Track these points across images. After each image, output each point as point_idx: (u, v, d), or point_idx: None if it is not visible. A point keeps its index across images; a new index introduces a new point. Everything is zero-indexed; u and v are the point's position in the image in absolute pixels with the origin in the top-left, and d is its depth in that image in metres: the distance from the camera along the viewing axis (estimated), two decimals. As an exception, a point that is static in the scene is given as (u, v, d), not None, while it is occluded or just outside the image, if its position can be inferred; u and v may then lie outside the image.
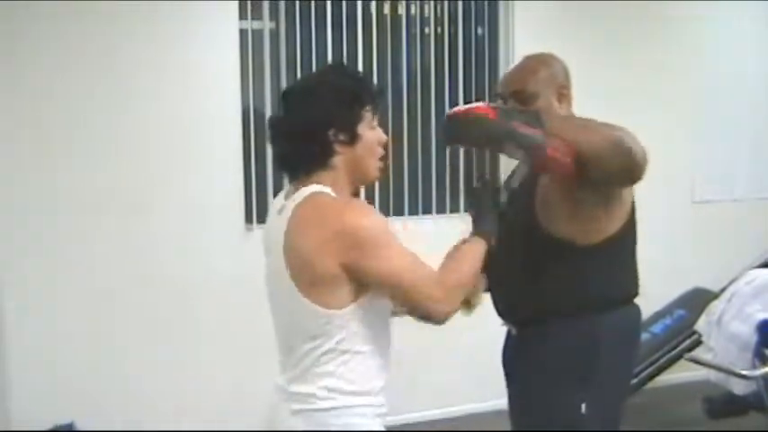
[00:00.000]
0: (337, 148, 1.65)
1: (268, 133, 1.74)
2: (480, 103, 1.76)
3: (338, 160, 1.66)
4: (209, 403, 3.70)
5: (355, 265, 1.56)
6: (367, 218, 1.58)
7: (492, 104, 1.78)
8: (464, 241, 1.78)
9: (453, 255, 1.73)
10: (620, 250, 1.99)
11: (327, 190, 1.63)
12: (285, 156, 1.71)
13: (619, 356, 2.00)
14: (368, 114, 1.68)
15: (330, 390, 1.61)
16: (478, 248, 1.75)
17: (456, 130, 1.79)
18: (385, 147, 1.74)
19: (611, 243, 1.94)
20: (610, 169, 1.75)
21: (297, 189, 1.67)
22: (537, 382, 2.00)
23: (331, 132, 1.64)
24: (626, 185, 1.89)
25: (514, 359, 2.12)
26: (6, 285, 3.41)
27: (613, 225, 1.94)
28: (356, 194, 1.76)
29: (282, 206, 1.67)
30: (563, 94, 1.99)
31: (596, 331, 1.94)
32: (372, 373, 1.65)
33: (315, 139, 1.64)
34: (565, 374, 1.94)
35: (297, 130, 1.66)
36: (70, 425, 3.42)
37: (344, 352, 1.61)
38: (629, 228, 1.98)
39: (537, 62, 2.02)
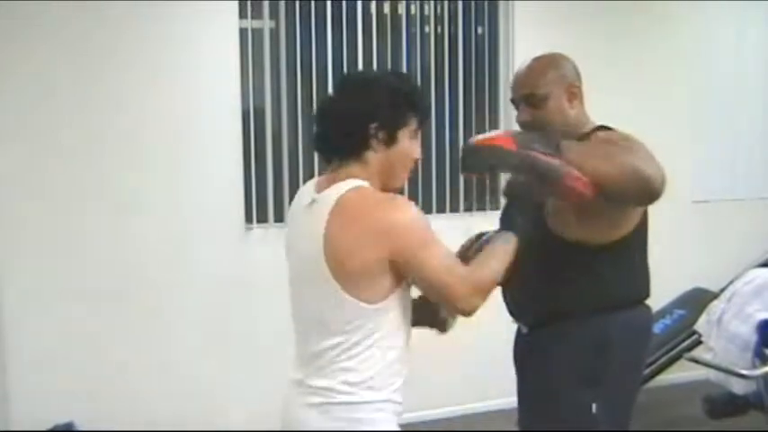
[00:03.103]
0: (374, 144, 1.66)
1: (315, 112, 1.76)
2: (499, 132, 1.78)
3: (372, 157, 1.67)
4: (208, 403, 3.70)
5: (399, 260, 1.58)
6: (412, 214, 1.60)
7: (510, 132, 1.78)
8: (497, 235, 1.79)
9: (487, 251, 1.74)
10: (633, 250, 1.99)
11: (367, 184, 1.64)
12: (323, 137, 1.72)
13: (630, 357, 1.99)
14: (413, 123, 1.70)
15: (350, 384, 1.62)
16: (510, 245, 1.75)
17: (475, 160, 1.79)
18: (416, 163, 1.75)
19: (624, 243, 1.94)
20: (629, 200, 1.79)
21: (330, 181, 1.67)
22: (548, 382, 1.99)
23: (373, 126, 1.65)
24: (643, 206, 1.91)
25: (525, 358, 2.12)
26: (6, 285, 3.41)
27: (627, 226, 1.94)
28: None
29: (313, 199, 1.67)
30: (573, 93, 1.98)
31: (608, 331, 1.94)
32: (392, 370, 1.66)
33: (355, 128, 1.65)
34: (576, 374, 1.94)
35: (339, 115, 1.67)
36: (70, 425, 3.42)
37: (369, 347, 1.62)
38: (642, 228, 1.97)
39: (545, 63, 2.00)
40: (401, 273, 1.61)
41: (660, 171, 1.74)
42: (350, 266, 1.58)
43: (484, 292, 1.66)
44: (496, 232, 1.84)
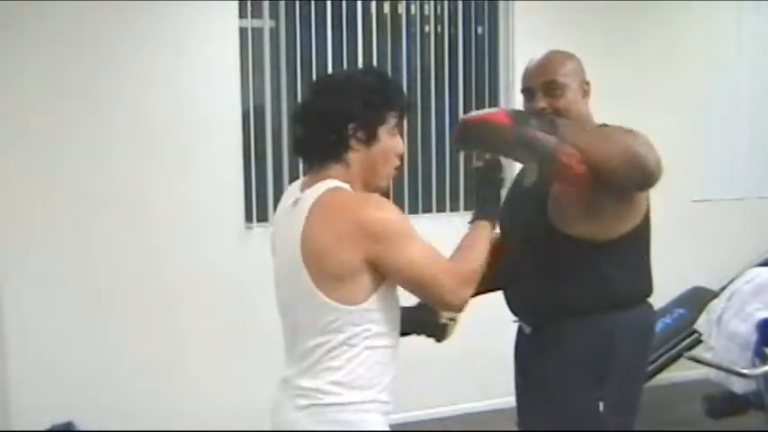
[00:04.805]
0: (353, 144, 1.65)
1: (292, 116, 1.75)
2: (496, 109, 1.76)
3: (353, 157, 1.66)
4: (208, 403, 3.70)
5: (377, 258, 1.57)
6: (387, 212, 1.59)
7: (507, 110, 1.77)
8: (470, 227, 1.79)
9: (464, 243, 1.73)
10: (636, 247, 1.99)
11: (345, 186, 1.63)
12: (301, 141, 1.71)
13: (634, 355, 2.00)
14: (392, 120, 1.69)
15: (337, 384, 1.61)
16: (485, 234, 1.75)
17: (471, 137, 1.79)
18: (401, 157, 1.74)
19: (626, 240, 1.94)
20: (624, 181, 1.78)
21: (312, 181, 1.66)
22: (554, 382, 1.99)
23: (350, 127, 1.64)
24: (640, 192, 1.91)
25: (529, 358, 2.11)
26: (6, 285, 3.41)
27: (630, 222, 1.93)
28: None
29: (297, 198, 1.66)
30: (585, 89, 2.00)
31: (612, 330, 1.94)
32: (379, 369, 1.65)
33: (332, 131, 1.64)
34: (582, 374, 1.94)
35: (317, 118, 1.66)
36: (69, 424, 3.42)
37: (353, 347, 1.61)
38: (645, 225, 1.97)
39: (563, 56, 2.01)
40: (381, 272, 1.60)
41: (657, 158, 1.75)
42: (327, 267, 1.57)
43: (471, 282, 1.65)
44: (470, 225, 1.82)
